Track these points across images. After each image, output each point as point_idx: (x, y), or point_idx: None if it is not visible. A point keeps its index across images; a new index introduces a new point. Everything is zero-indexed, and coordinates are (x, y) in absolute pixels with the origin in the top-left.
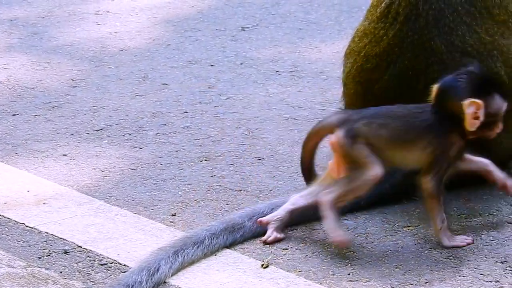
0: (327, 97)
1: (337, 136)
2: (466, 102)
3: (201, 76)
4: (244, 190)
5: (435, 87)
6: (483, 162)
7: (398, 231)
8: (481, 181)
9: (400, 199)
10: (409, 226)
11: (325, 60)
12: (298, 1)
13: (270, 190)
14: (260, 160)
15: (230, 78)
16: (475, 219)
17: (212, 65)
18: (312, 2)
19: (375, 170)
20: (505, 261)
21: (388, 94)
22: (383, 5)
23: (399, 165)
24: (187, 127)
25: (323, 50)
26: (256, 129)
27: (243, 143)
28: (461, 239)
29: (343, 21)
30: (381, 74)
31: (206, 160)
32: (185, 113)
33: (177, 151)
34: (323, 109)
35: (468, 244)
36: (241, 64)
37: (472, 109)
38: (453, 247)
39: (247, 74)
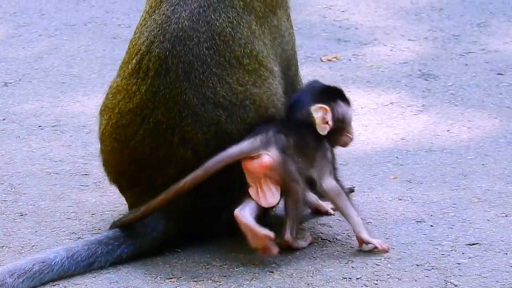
0: (90, 150)
1: (271, 156)
2: (313, 107)
3: None
4: (6, 247)
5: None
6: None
7: (161, 283)
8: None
9: (163, 251)
10: (171, 278)
11: (87, 114)
12: (61, 55)
13: (32, 246)
14: (22, 216)
15: None
16: (237, 269)
17: None
18: (75, 55)
19: (303, 186)
20: None
21: (144, 149)
22: (134, 61)
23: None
24: None
25: (86, 103)
26: (19, 184)
27: (6, 199)
28: (377, 242)
29: (106, 74)
30: (136, 129)
31: None
32: None
33: None
34: (85, 163)
35: (384, 249)
36: (4, 119)
37: (319, 114)
38: (369, 243)
39: (10, 129)
